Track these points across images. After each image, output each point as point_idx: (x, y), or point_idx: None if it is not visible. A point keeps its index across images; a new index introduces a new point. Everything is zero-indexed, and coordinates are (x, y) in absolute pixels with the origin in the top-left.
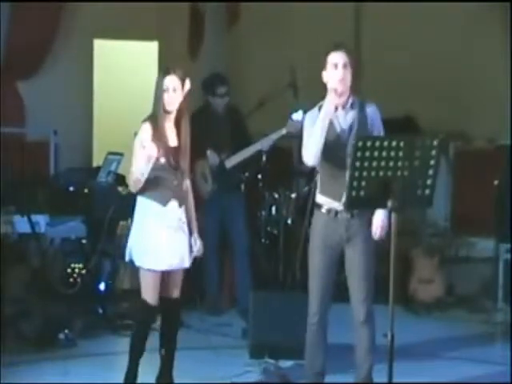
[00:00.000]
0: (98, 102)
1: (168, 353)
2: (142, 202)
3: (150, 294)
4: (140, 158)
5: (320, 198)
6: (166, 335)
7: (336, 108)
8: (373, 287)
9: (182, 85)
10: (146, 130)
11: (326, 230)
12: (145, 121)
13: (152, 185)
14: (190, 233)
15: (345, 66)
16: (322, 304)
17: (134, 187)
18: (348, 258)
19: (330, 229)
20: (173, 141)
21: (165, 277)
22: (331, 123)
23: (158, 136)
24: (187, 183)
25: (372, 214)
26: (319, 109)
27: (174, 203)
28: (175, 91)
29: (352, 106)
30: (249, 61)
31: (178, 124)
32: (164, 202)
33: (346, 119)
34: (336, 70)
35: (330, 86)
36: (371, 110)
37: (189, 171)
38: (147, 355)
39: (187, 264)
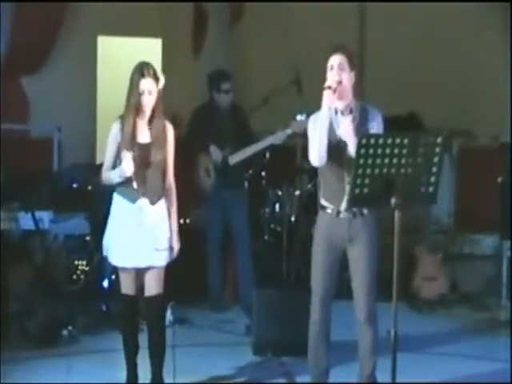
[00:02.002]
0: (101, 99)
1: (153, 351)
2: (115, 198)
3: (126, 288)
4: (109, 156)
5: (323, 201)
6: (149, 333)
7: (336, 112)
8: (375, 287)
9: (157, 84)
10: (115, 127)
11: (328, 229)
12: (118, 118)
13: (122, 181)
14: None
15: (340, 67)
16: (324, 302)
17: (104, 183)
18: (351, 258)
19: (333, 229)
20: (145, 137)
21: (142, 274)
22: (331, 128)
23: (127, 134)
24: (170, 181)
25: (376, 213)
26: None
27: (144, 200)
28: (150, 93)
29: (352, 111)
30: (251, 59)
31: (151, 121)
32: (133, 199)
33: None
34: (331, 71)
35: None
36: (372, 116)
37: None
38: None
39: (160, 263)
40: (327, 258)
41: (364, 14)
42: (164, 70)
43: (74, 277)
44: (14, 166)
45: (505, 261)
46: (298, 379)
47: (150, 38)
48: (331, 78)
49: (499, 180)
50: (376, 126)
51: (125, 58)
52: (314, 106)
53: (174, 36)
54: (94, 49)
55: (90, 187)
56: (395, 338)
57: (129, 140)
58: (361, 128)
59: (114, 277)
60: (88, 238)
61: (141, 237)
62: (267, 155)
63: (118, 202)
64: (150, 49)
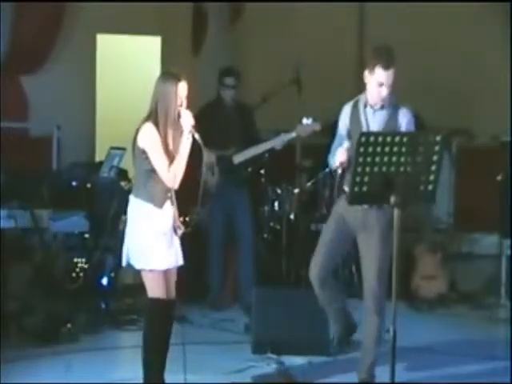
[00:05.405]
0: (100, 97)
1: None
2: (136, 204)
3: (159, 291)
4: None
5: (346, 188)
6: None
7: (365, 105)
8: (386, 276)
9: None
10: (156, 130)
11: (345, 210)
12: (147, 121)
13: (148, 186)
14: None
15: (388, 84)
16: (324, 262)
17: (175, 182)
18: (361, 246)
19: (350, 211)
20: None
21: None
22: (359, 122)
23: (163, 140)
24: None
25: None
26: (354, 104)
27: (168, 204)
28: (185, 98)
29: (383, 107)
30: (251, 57)
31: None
32: (160, 204)
33: (374, 119)
34: (380, 88)
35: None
36: (402, 114)
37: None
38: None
39: (181, 261)
40: (336, 230)
41: (363, 14)
42: (163, 69)
43: (74, 275)
44: (14, 164)
45: (504, 260)
46: (297, 378)
47: (149, 36)
48: (378, 95)
49: (499, 179)
50: (405, 123)
51: (124, 57)
52: (313, 106)
53: (174, 35)
54: (93, 47)
55: (89, 185)
56: (394, 337)
57: (166, 146)
58: (389, 124)
59: (113, 275)
60: (87, 236)
61: (171, 239)
62: (266, 153)
63: (141, 207)
64: (150, 47)
